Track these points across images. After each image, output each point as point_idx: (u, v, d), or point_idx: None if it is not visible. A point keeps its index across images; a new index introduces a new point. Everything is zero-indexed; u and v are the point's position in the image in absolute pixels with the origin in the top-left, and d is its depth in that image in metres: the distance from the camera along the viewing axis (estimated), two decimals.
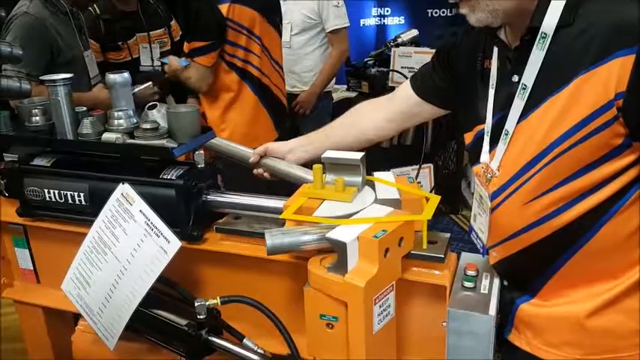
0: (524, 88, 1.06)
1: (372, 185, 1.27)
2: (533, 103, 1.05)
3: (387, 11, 5.50)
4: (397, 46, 3.90)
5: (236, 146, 1.65)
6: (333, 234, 1.04)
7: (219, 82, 2.69)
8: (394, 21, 5.52)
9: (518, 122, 1.08)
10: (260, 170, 1.57)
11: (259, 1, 2.65)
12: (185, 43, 2.64)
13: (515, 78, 1.09)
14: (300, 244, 1.08)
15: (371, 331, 1.03)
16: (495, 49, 1.15)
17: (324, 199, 1.21)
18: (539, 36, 1.03)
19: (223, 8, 2.55)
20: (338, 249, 1.02)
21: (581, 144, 1.00)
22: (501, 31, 1.14)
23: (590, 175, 1.02)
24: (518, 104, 1.07)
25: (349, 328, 1.03)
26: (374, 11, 5.51)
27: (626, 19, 0.95)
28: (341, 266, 1.02)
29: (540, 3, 1.04)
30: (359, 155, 1.24)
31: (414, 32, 4.10)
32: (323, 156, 1.28)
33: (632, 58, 0.93)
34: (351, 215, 1.13)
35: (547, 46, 1.02)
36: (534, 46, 1.04)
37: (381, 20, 5.53)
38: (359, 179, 1.24)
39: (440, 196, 1.22)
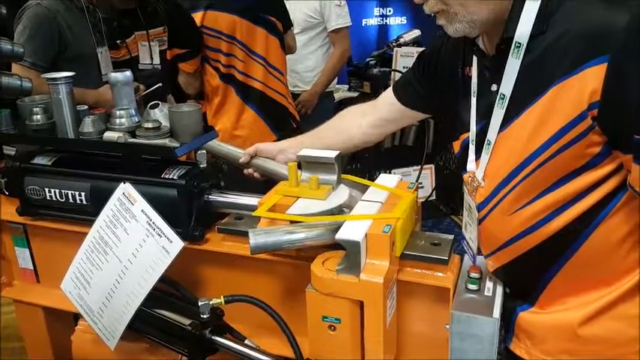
0: (502, 98, 1.05)
1: (348, 184, 1.30)
2: (513, 112, 1.04)
3: (390, 11, 5.49)
4: (399, 46, 3.89)
5: (227, 147, 1.66)
6: (341, 234, 1.04)
7: (208, 86, 2.72)
8: (396, 21, 5.51)
9: (499, 132, 1.07)
10: (250, 170, 1.58)
11: (238, 4, 2.60)
12: (168, 51, 2.69)
13: (494, 87, 1.08)
14: (283, 244, 1.10)
15: (386, 326, 1.04)
16: (475, 58, 1.15)
17: (299, 197, 1.23)
18: (513, 45, 1.02)
19: (197, 16, 2.53)
20: (350, 248, 1.02)
21: (559, 155, 0.99)
22: (479, 39, 1.13)
23: (571, 184, 1.02)
24: (498, 114, 1.07)
25: (366, 327, 1.04)
26: (376, 11, 5.50)
27: (598, 27, 0.93)
28: (353, 266, 1.03)
29: (513, 12, 1.02)
30: (333, 154, 1.27)
31: (416, 32, 4.10)
32: (298, 154, 1.30)
33: (604, 67, 0.91)
34: (324, 213, 1.16)
35: (522, 55, 1.01)
36: (510, 56, 1.02)
37: (383, 20, 5.52)
38: (333, 177, 1.26)
39: (415, 193, 1.24)
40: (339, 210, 1.20)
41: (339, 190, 1.27)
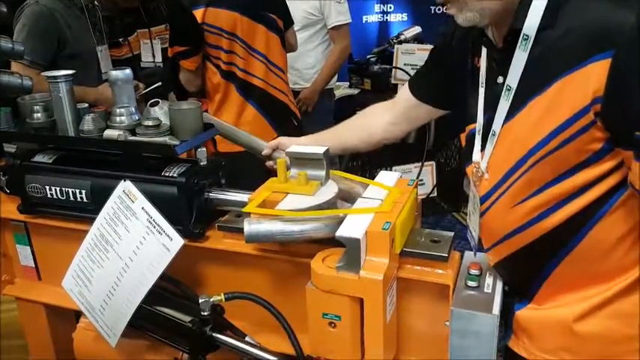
0: (508, 90, 1.06)
1: (345, 182, 1.31)
2: (518, 104, 1.05)
3: (390, 8, 5.49)
4: (400, 43, 3.88)
5: (249, 136, 1.72)
6: (342, 232, 1.04)
7: (209, 84, 2.72)
8: (397, 18, 5.50)
9: (504, 123, 1.08)
10: (271, 163, 1.60)
11: (239, 1, 2.59)
12: (169, 48, 2.69)
13: (501, 79, 1.09)
14: (277, 234, 1.12)
15: (386, 323, 1.04)
16: (484, 49, 1.15)
17: (288, 193, 1.24)
18: (521, 37, 1.02)
19: (198, 13, 2.54)
20: (350, 246, 1.03)
21: (560, 149, 1.00)
22: (488, 30, 1.13)
23: (572, 180, 1.02)
24: (503, 105, 1.07)
25: (366, 324, 1.04)
26: (377, 8, 5.50)
27: (604, 23, 0.94)
28: (353, 263, 1.03)
29: (522, 4, 1.03)
30: (322, 150, 1.28)
31: (417, 29, 4.09)
32: (287, 150, 1.32)
33: (609, 62, 0.92)
34: (313, 208, 1.18)
35: (529, 47, 1.02)
36: (517, 48, 1.03)
37: (383, 17, 5.51)
38: (322, 173, 1.27)
39: (415, 190, 1.25)
40: (328, 205, 1.21)
41: (327, 185, 1.28)
